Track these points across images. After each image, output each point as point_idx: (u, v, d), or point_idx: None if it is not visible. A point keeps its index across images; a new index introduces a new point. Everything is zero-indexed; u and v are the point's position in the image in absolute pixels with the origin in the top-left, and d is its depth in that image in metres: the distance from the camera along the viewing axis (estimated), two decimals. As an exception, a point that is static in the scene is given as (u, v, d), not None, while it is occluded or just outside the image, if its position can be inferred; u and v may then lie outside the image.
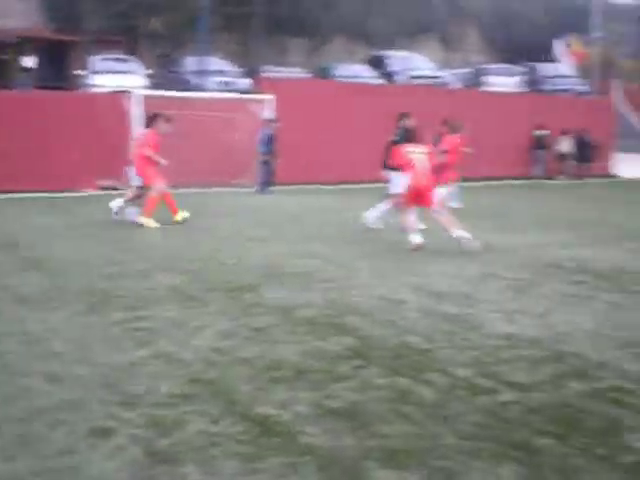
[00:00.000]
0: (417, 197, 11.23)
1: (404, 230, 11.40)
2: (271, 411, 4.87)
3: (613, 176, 27.49)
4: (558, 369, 5.75)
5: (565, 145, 27.28)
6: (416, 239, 11.02)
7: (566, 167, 27.49)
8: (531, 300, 8.02)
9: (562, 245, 11.72)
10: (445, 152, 14.43)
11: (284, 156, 20.32)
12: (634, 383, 5.49)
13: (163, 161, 13.51)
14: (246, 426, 4.63)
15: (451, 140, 15.02)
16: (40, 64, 29.39)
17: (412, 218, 11.39)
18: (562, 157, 27.44)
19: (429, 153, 11.70)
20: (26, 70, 29.08)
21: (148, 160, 13.50)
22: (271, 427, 4.63)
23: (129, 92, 20.71)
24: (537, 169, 27.35)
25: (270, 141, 20.15)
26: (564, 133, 27.14)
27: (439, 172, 12.92)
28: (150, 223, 13.22)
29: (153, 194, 13.40)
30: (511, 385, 5.38)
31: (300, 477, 4.03)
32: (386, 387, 5.31)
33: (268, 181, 20.37)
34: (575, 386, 5.39)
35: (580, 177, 27.07)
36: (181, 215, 13.75)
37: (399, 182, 11.86)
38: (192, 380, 5.40)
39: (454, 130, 15.38)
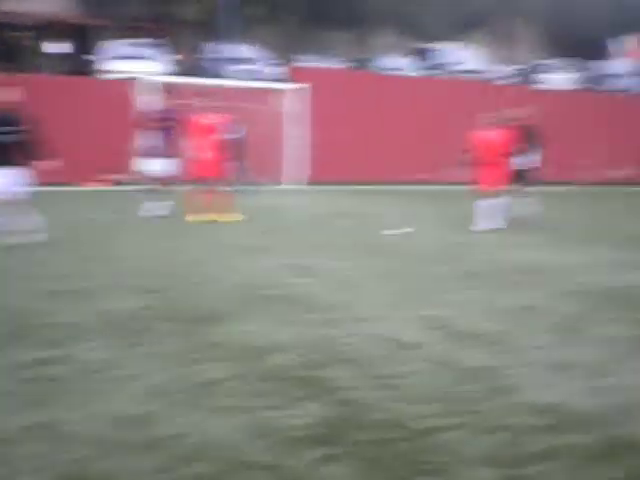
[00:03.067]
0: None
1: None
2: None
3: None
4: None
5: None
6: None
7: None
8: (583, 347, 5.93)
9: (612, 267, 9.58)
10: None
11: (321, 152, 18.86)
12: None
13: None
14: None
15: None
16: (68, 49, 28.34)
17: None
18: None
19: None
20: (50, 55, 27.78)
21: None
22: None
23: (135, 79, 19.01)
24: None
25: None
26: None
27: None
28: None
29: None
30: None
31: None
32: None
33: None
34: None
35: None
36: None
37: None
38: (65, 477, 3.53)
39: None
